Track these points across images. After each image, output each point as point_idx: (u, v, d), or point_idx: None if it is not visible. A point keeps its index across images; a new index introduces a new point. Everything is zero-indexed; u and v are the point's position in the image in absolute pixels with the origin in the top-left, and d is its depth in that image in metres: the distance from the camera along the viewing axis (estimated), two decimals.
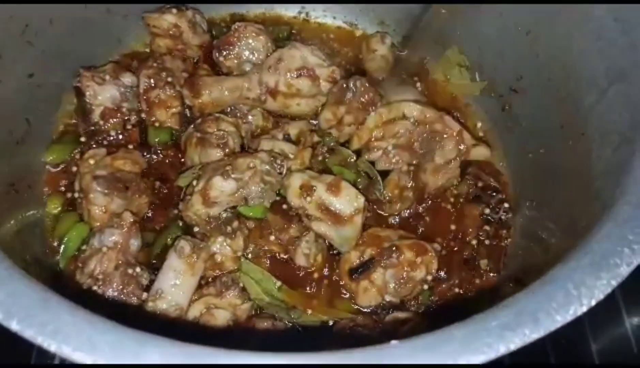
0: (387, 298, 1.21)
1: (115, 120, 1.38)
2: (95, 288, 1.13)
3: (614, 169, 0.97)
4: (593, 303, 0.71)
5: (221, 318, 1.15)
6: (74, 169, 1.33)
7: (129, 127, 1.40)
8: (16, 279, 0.70)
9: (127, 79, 1.40)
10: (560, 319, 0.70)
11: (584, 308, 0.71)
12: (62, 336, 0.64)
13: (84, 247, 1.21)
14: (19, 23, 1.24)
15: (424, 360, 0.65)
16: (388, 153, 1.32)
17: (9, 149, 1.23)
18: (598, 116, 1.10)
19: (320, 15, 1.70)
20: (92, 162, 1.27)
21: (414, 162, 1.32)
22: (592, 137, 1.11)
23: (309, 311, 1.21)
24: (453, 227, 1.34)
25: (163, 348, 0.63)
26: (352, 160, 1.33)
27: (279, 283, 1.22)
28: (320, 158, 1.33)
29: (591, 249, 0.79)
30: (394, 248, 1.19)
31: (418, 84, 1.53)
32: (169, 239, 1.24)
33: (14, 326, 0.65)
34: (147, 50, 1.56)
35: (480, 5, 1.42)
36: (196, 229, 1.24)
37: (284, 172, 1.25)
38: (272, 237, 1.25)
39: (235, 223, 1.22)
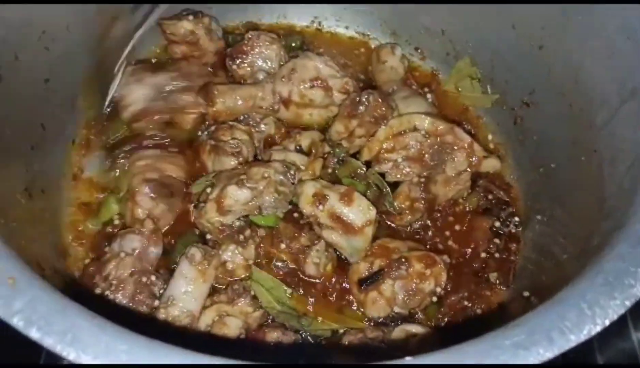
0: (396, 309, 1.21)
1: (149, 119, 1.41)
2: (107, 293, 1.14)
3: (627, 187, 0.97)
4: (607, 323, 0.72)
5: (233, 326, 1.15)
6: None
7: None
8: (35, 287, 0.71)
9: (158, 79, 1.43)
10: (574, 339, 0.70)
11: (598, 328, 0.71)
12: (80, 344, 0.65)
13: (106, 249, 1.23)
14: (37, 29, 1.25)
15: None
16: (398, 165, 1.32)
17: (24, 154, 1.23)
18: (610, 133, 1.10)
19: (333, 24, 1.71)
20: (142, 163, 1.30)
21: (425, 173, 1.32)
22: (604, 154, 1.11)
23: (320, 319, 1.21)
24: (462, 239, 1.34)
25: (178, 358, 0.64)
26: (362, 171, 1.34)
27: (289, 290, 1.23)
28: (330, 170, 1.33)
29: (604, 269, 0.79)
30: (403, 259, 1.19)
31: (429, 95, 1.53)
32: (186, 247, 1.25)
33: (33, 334, 0.66)
34: (159, 56, 1.58)
35: (493, 17, 1.43)
36: (209, 237, 1.25)
37: (297, 182, 1.26)
38: (283, 245, 1.25)
39: (248, 232, 1.23)
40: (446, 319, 1.25)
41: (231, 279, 1.22)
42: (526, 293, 1.19)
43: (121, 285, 1.15)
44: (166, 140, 1.40)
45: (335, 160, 1.35)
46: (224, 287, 1.22)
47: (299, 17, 1.71)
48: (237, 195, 1.18)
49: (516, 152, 1.47)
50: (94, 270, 1.18)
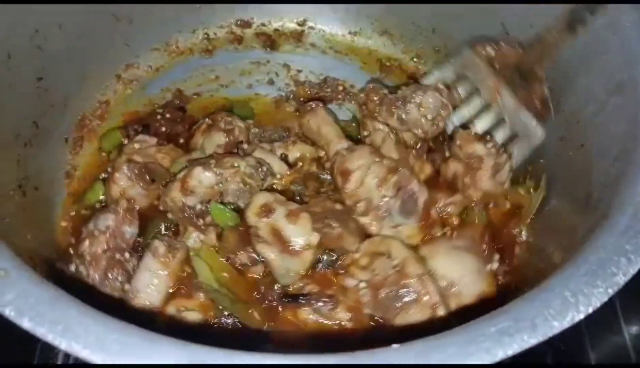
0: None
1: None
2: (81, 268, 1.16)
3: (612, 180, 0.98)
4: (590, 310, 0.73)
5: (194, 319, 1.16)
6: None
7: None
8: (26, 279, 0.72)
9: None
10: (558, 325, 0.71)
11: (581, 315, 0.73)
12: (71, 334, 0.66)
13: (82, 229, 1.24)
14: (30, 28, 1.26)
15: (424, 362, 0.67)
16: (359, 289, 1.17)
17: (17, 151, 1.24)
18: (597, 128, 1.12)
19: (323, 24, 1.73)
20: (136, 146, 1.34)
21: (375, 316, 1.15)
22: (591, 148, 1.13)
23: (251, 311, 1.17)
24: None
25: (170, 348, 0.65)
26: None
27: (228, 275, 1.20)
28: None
29: (588, 258, 0.80)
30: (334, 299, 1.15)
31: None
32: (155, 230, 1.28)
33: (25, 324, 0.67)
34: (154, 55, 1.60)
35: (483, 15, 1.44)
36: (170, 216, 1.26)
37: (267, 181, 1.27)
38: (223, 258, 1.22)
39: (208, 219, 1.23)
40: None
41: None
42: (516, 287, 1.20)
43: (93, 261, 1.17)
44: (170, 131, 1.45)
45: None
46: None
47: (289, 18, 1.71)
48: (201, 177, 1.19)
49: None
50: (74, 252, 1.21)
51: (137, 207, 1.29)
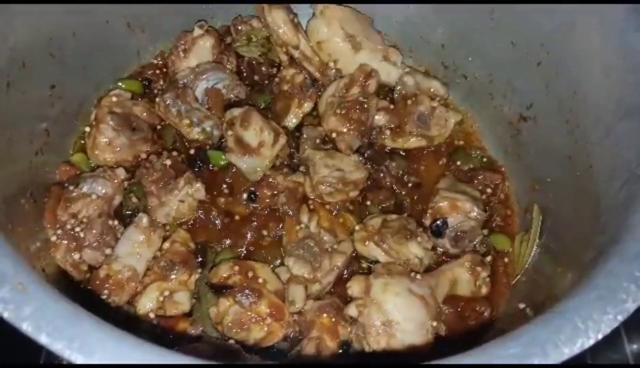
0: (218, 327, 1.20)
1: None
2: (77, 229, 1.21)
3: (621, 204, 0.99)
4: (600, 337, 0.74)
5: (185, 300, 1.21)
6: None
7: None
8: (43, 293, 0.73)
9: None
10: (568, 352, 0.72)
11: (591, 342, 0.73)
12: (88, 350, 0.67)
13: (71, 188, 1.28)
14: (44, 36, 1.28)
15: None
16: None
17: (29, 159, 1.25)
18: (606, 150, 1.12)
19: None
20: (114, 99, 1.41)
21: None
22: (599, 170, 1.13)
23: None
24: None
25: (187, 364, 0.65)
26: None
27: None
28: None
29: (598, 284, 0.81)
30: (255, 293, 1.17)
31: None
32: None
33: (43, 339, 0.67)
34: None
35: (493, 33, 1.45)
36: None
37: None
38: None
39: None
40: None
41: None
42: (522, 305, 1.21)
43: (90, 224, 1.23)
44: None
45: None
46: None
47: None
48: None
49: (513, 165, 1.49)
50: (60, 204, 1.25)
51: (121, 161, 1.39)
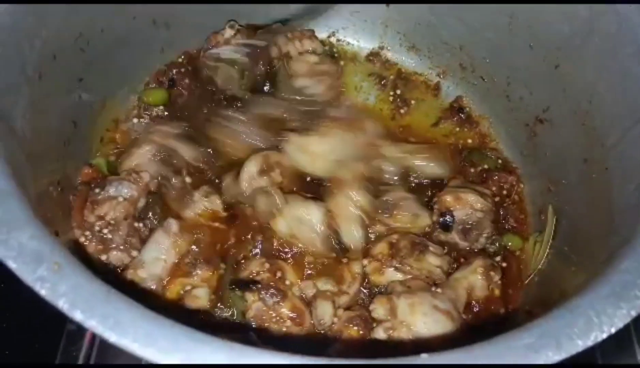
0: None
1: None
2: (105, 231, 1.24)
3: (635, 205, 1.01)
4: (613, 330, 0.76)
5: (204, 296, 1.23)
6: None
7: None
8: (78, 273, 0.76)
9: None
10: (582, 344, 0.74)
11: (604, 335, 0.75)
12: (121, 328, 0.70)
13: (97, 190, 1.29)
14: (74, 31, 1.31)
15: None
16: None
17: (58, 149, 1.29)
18: (622, 153, 1.14)
19: (348, 38, 1.78)
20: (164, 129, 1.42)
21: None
22: (614, 173, 1.15)
23: None
24: None
25: (216, 347, 0.68)
26: None
27: None
28: None
29: (611, 281, 0.83)
30: (281, 294, 1.18)
31: None
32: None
33: (77, 316, 0.70)
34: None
35: (511, 36, 1.47)
36: None
37: None
38: None
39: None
40: None
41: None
42: (534, 305, 1.23)
43: (117, 226, 1.25)
44: None
45: None
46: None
47: (318, 30, 1.73)
48: None
49: (528, 167, 1.51)
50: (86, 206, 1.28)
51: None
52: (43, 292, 0.73)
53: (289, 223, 1.29)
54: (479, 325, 1.25)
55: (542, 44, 1.39)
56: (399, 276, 1.26)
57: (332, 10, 1.73)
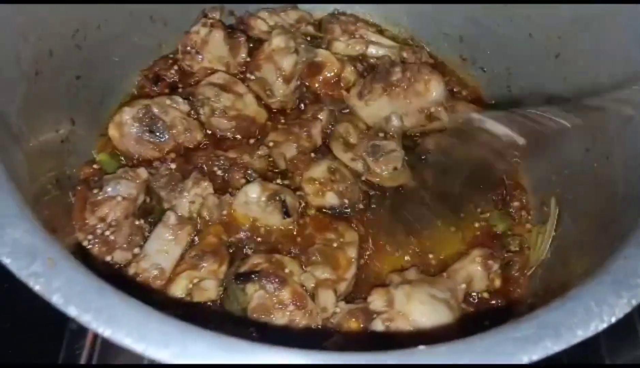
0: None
1: None
2: (107, 232, 1.23)
3: (637, 193, 1.00)
4: (613, 320, 0.74)
5: (212, 287, 1.22)
6: None
7: None
8: (72, 268, 0.75)
9: None
10: (581, 334, 0.73)
11: (605, 325, 0.74)
12: (115, 323, 0.69)
13: (95, 191, 1.28)
14: (71, 27, 1.31)
15: (453, 362, 0.69)
16: None
17: (55, 147, 1.29)
18: (624, 142, 1.13)
19: None
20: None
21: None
22: (617, 161, 1.14)
23: None
24: None
25: (208, 341, 0.68)
26: None
27: None
28: None
29: (612, 269, 0.82)
30: (282, 281, 1.17)
31: None
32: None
33: (72, 311, 0.70)
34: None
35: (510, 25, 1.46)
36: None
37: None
38: None
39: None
40: None
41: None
42: (536, 296, 1.22)
43: (118, 226, 1.24)
44: None
45: None
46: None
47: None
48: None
49: (530, 157, 1.49)
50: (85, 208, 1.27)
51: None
52: (37, 288, 0.72)
53: (242, 211, 1.32)
54: (480, 317, 1.24)
55: (542, 32, 1.39)
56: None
57: None
